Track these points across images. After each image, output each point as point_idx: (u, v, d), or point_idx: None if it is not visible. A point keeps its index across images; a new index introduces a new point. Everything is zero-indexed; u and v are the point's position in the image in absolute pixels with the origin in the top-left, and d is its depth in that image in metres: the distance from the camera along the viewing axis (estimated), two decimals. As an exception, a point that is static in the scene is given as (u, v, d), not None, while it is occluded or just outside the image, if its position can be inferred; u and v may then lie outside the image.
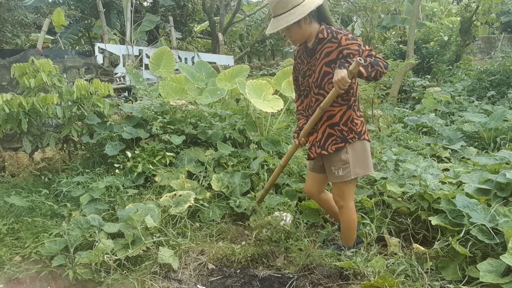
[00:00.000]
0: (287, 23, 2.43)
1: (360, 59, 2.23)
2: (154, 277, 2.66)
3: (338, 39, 2.42)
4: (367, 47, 2.43)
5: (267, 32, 2.59)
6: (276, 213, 3.21)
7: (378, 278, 2.32)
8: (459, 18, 11.94)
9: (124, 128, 4.42)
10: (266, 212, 3.28)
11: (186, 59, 10.45)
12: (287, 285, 2.54)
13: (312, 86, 2.58)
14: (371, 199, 3.34)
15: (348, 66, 2.30)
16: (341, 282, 2.51)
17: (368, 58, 2.33)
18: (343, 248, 2.76)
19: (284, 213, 3.22)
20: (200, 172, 3.99)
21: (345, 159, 2.56)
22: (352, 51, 2.39)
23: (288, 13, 2.43)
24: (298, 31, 2.50)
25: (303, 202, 3.46)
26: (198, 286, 2.60)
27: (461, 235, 2.51)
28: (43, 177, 4.11)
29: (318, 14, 2.52)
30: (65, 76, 4.88)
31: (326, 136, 2.59)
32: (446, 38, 11.94)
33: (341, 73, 2.29)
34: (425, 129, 6.20)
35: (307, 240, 2.93)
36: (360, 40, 2.46)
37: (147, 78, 8.66)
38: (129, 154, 4.12)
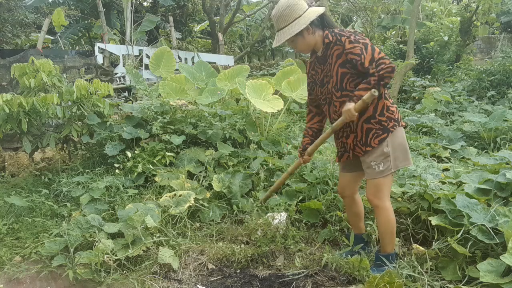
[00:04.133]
0: (289, 35, 2.47)
1: (374, 91, 2.29)
2: (154, 277, 2.66)
3: (342, 42, 2.42)
4: (369, 51, 2.36)
5: (273, 45, 2.65)
6: (269, 214, 3.21)
7: (385, 277, 2.30)
8: (459, 18, 11.94)
9: (124, 128, 4.42)
10: (258, 214, 3.28)
11: (186, 59, 10.45)
12: (287, 285, 2.53)
13: (333, 90, 2.54)
14: (371, 199, 3.33)
15: (357, 100, 2.35)
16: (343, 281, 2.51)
17: (372, 78, 2.33)
18: (383, 263, 2.55)
19: (279, 213, 3.22)
20: (200, 172, 3.99)
21: (386, 152, 2.48)
22: (354, 56, 2.37)
23: (290, 26, 2.48)
24: (302, 41, 2.54)
25: (303, 202, 3.46)
26: (198, 286, 2.60)
27: (460, 235, 2.51)
28: (43, 177, 4.11)
29: (321, 21, 2.54)
30: (65, 76, 4.87)
31: (366, 132, 2.50)
32: (446, 38, 11.93)
33: (348, 106, 2.38)
34: (425, 129, 6.20)
35: (307, 241, 2.93)
36: (364, 41, 2.39)
37: (147, 78, 8.65)
38: (129, 154, 4.12)
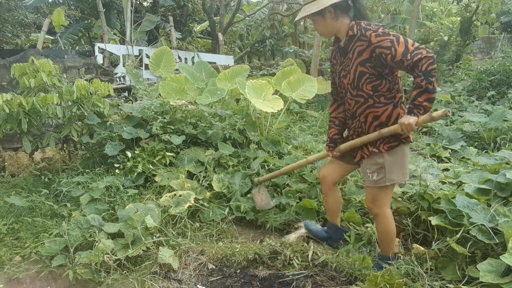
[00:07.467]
0: (307, 13, 2.37)
1: (448, 111, 2.06)
2: (154, 277, 2.66)
3: (368, 37, 2.24)
4: (401, 42, 2.16)
5: (295, 20, 2.59)
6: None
7: (385, 276, 2.30)
8: (459, 18, 11.92)
9: (124, 128, 4.42)
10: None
11: (186, 59, 10.44)
12: (287, 285, 2.53)
13: (349, 87, 2.43)
14: (371, 199, 3.32)
15: (418, 113, 2.14)
16: (343, 282, 2.51)
17: (418, 80, 2.10)
18: (383, 264, 2.56)
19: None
20: (200, 172, 3.99)
21: (380, 163, 2.40)
22: (383, 50, 2.19)
23: (313, 3, 2.37)
24: (322, 23, 2.42)
25: (300, 202, 3.45)
26: (198, 286, 2.60)
27: (460, 235, 2.51)
28: (43, 177, 4.11)
29: (352, 9, 2.39)
30: (65, 76, 4.86)
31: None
32: (446, 38, 11.92)
33: (408, 119, 2.15)
34: (425, 129, 6.19)
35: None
36: (396, 34, 2.20)
37: (147, 78, 8.65)
38: (129, 154, 4.12)
